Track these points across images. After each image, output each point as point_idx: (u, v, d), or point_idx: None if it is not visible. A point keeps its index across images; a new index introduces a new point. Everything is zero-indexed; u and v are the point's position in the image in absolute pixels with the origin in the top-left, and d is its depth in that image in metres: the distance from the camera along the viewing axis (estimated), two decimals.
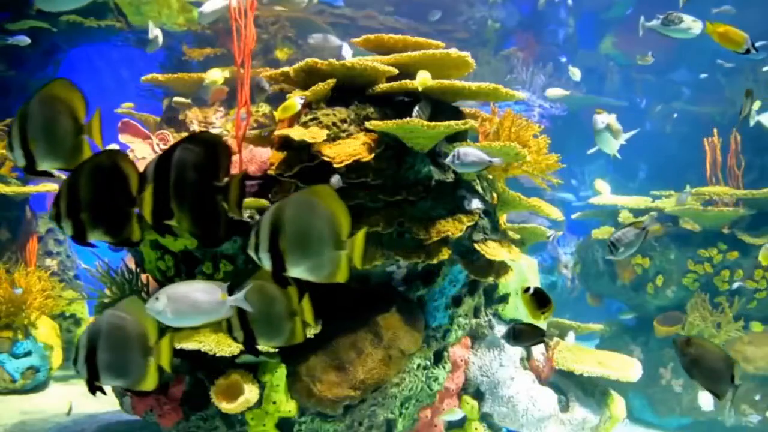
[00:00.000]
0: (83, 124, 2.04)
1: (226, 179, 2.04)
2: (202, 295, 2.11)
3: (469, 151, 2.73)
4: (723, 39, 3.04)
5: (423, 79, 3.00)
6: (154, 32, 4.60)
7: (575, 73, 6.74)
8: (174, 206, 1.98)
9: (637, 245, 2.61)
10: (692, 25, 3.32)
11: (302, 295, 2.22)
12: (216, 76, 4.43)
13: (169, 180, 1.97)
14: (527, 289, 2.80)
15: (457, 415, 3.33)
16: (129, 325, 2.08)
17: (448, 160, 2.76)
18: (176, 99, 4.81)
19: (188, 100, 4.69)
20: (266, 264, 1.99)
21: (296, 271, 2.02)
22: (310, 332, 2.89)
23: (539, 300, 2.78)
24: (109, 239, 2.07)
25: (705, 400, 4.17)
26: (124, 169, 2.03)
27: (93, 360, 2.03)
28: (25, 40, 5.29)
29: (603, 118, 3.18)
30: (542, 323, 3.15)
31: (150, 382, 2.11)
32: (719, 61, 7.61)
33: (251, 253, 1.99)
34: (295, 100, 3.03)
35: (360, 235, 2.01)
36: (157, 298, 2.10)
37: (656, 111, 9.53)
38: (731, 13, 6.79)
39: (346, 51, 3.34)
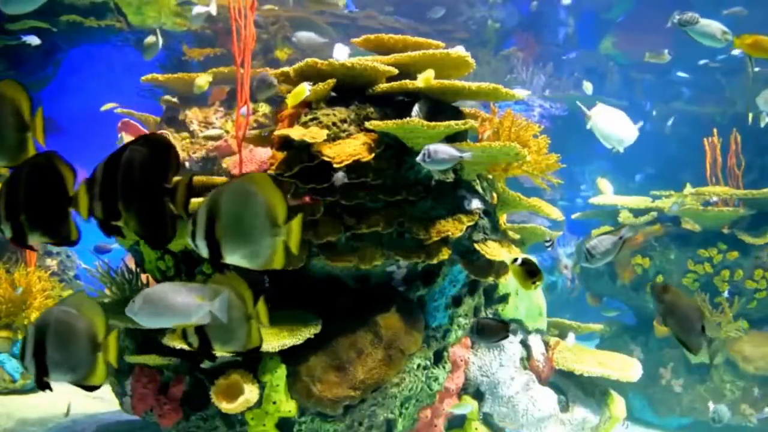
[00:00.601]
0: (28, 122, 2.05)
1: (175, 180, 2.04)
2: (178, 297, 2.12)
3: (439, 148, 2.73)
4: (754, 49, 3.04)
5: (427, 77, 3.01)
6: (152, 39, 4.61)
7: (588, 87, 6.69)
8: (121, 207, 1.98)
9: (613, 254, 2.61)
10: (723, 36, 3.33)
11: (257, 299, 2.22)
12: (200, 82, 4.51)
13: (117, 181, 1.98)
14: (515, 260, 2.78)
15: (467, 408, 3.33)
16: (76, 321, 2.07)
17: (418, 159, 2.75)
18: (164, 98, 4.82)
19: (175, 99, 4.68)
20: (203, 252, 1.99)
21: (233, 258, 2.03)
22: (311, 332, 2.89)
23: (529, 270, 2.76)
24: (48, 240, 2.08)
25: (722, 410, 4.18)
26: (60, 170, 2.04)
27: (41, 355, 2.02)
28: (35, 40, 5.31)
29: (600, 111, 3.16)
30: (508, 322, 3.13)
31: (98, 378, 2.11)
32: (704, 61, 7.57)
33: (188, 241, 1.98)
34: (305, 85, 3.03)
35: (296, 221, 2.02)
36: (133, 300, 2.11)
37: (656, 111, 9.53)
38: (743, 14, 6.74)
39: (340, 50, 3.33)
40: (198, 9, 5.02)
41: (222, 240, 1.98)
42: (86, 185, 2.01)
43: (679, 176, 6.08)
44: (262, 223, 2.00)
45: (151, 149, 2.00)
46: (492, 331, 2.83)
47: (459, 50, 3.39)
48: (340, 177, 2.90)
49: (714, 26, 3.38)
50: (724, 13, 6.80)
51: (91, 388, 2.12)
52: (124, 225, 2.03)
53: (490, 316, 3.59)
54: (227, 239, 1.98)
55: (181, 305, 2.10)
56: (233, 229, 1.99)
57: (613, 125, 3.23)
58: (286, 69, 3.35)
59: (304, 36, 4.67)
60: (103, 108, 4.93)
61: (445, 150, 2.72)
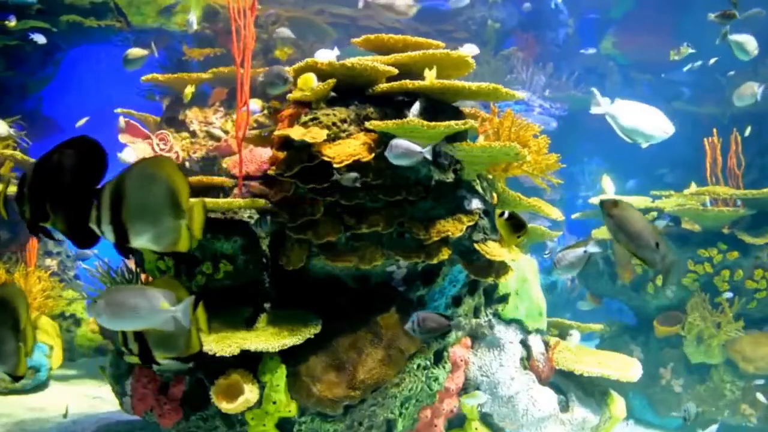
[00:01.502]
0: None
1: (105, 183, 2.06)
2: (142, 301, 2.13)
3: (400, 143, 2.74)
4: None
5: (431, 76, 3.03)
6: (138, 53, 4.61)
7: (597, 95, 6.66)
8: (49, 208, 2.00)
9: (578, 268, 2.62)
10: (753, 52, 3.35)
11: (197, 305, 2.23)
12: (186, 91, 4.75)
13: (45, 182, 2.00)
14: (502, 214, 2.76)
15: (480, 399, 3.34)
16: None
17: (386, 152, 2.77)
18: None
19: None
20: (109, 236, 1.99)
21: (139, 241, 2.03)
22: (311, 332, 2.89)
23: (515, 224, 2.75)
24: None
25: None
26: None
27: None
28: (41, 38, 5.31)
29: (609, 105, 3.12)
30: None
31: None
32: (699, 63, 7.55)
33: (93, 226, 1.98)
34: (311, 75, 3.03)
35: (198, 204, 2.03)
36: (95, 303, 2.12)
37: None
38: (761, 15, 6.69)
39: (323, 55, 3.33)
40: (192, 17, 5.08)
41: (127, 224, 1.98)
42: (18, 186, 2.03)
43: (679, 176, 6.08)
44: (167, 207, 2.01)
45: (80, 152, 2.02)
46: (434, 324, 2.77)
47: (471, 48, 3.40)
48: (352, 177, 2.89)
49: (751, 44, 3.41)
50: (741, 16, 6.74)
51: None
52: (52, 225, 2.05)
53: (491, 314, 3.59)
54: (133, 223, 1.98)
55: (145, 310, 2.11)
56: (139, 213, 1.99)
57: (641, 119, 3.18)
58: (286, 69, 3.35)
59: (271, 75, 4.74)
60: (120, 110, 4.96)
61: (405, 145, 2.73)
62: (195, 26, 5.15)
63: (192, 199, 2.04)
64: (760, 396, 4.59)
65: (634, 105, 3.13)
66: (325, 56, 3.53)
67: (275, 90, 3.14)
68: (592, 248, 2.59)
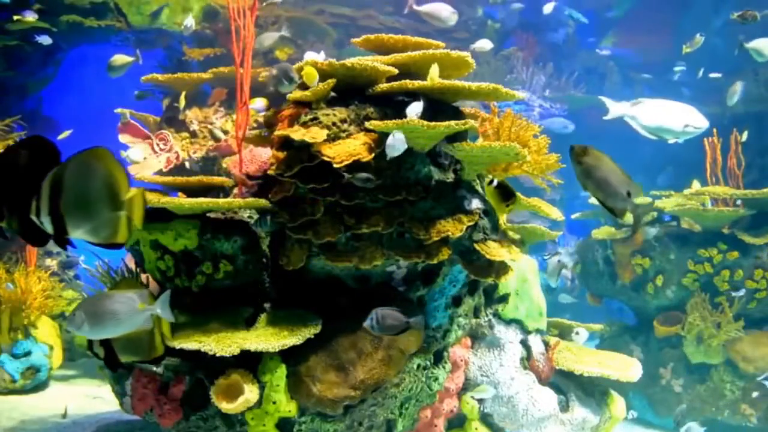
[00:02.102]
0: None
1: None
2: (119, 306, 2.13)
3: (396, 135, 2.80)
4: None
5: (432, 75, 3.03)
6: (122, 60, 4.63)
7: (606, 101, 6.62)
8: (4, 208, 2.01)
9: (554, 276, 2.64)
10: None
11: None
12: (180, 100, 4.86)
13: None
14: (491, 182, 2.76)
15: (488, 393, 3.35)
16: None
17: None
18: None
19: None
20: (48, 227, 1.98)
21: (78, 233, 2.02)
22: (311, 332, 2.89)
23: (503, 192, 2.74)
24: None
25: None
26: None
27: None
28: (47, 39, 5.33)
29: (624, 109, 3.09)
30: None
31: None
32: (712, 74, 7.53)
33: (33, 218, 1.98)
34: (314, 69, 3.03)
35: (138, 195, 2.03)
36: (73, 315, 2.13)
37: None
38: None
39: (310, 57, 3.34)
40: (188, 21, 5.13)
41: (66, 215, 1.97)
42: None
43: (679, 176, 6.07)
44: (106, 198, 2.01)
45: (33, 151, 2.02)
46: (393, 322, 2.75)
47: (485, 43, 3.40)
48: (363, 177, 2.90)
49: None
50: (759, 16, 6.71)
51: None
52: (7, 226, 2.05)
53: (491, 314, 3.59)
54: (71, 215, 1.98)
55: (125, 313, 2.12)
56: (77, 205, 1.98)
57: (665, 117, 3.16)
58: None
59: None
60: (120, 110, 4.98)
61: (400, 138, 2.79)
62: (193, 27, 5.18)
63: (132, 189, 2.04)
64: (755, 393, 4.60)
65: (657, 103, 3.11)
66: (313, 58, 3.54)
67: (282, 89, 3.11)
68: (564, 258, 2.61)
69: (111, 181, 2.00)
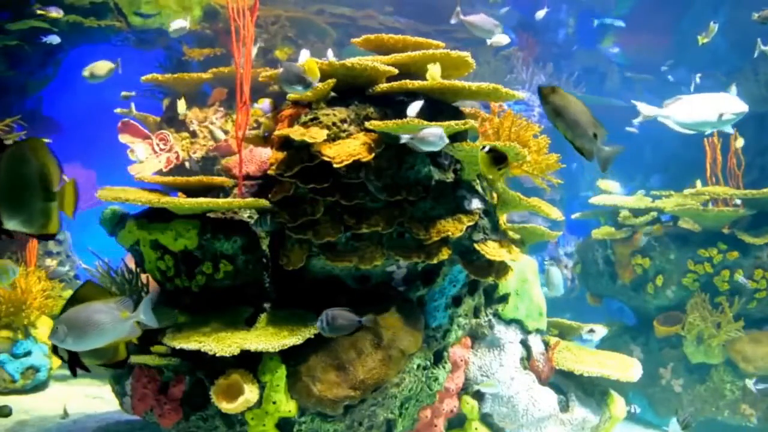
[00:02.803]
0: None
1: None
2: (102, 316, 2.15)
3: (431, 131, 2.78)
4: None
5: (433, 74, 3.02)
6: (104, 67, 4.64)
7: (639, 104, 6.59)
8: None
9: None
10: None
11: None
12: (180, 108, 4.96)
13: None
14: (483, 147, 2.76)
15: (494, 388, 3.34)
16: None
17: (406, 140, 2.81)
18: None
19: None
20: None
21: (11, 224, 2.04)
22: (311, 332, 2.89)
23: (496, 157, 2.74)
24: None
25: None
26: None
27: None
28: (56, 39, 5.34)
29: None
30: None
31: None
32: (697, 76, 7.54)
33: None
34: (315, 61, 3.02)
35: (69, 186, 2.06)
36: (56, 329, 2.14)
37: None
38: None
39: (305, 57, 3.32)
40: (177, 23, 5.15)
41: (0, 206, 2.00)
42: None
43: (679, 176, 6.07)
44: (35, 189, 2.03)
45: None
46: (343, 321, 2.73)
47: (502, 38, 3.40)
48: (437, 133, 2.89)
49: None
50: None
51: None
52: None
53: (491, 314, 3.59)
54: (4, 206, 2.00)
55: (109, 323, 2.14)
56: (9, 196, 2.00)
57: (699, 112, 3.16)
58: None
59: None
60: (120, 110, 4.99)
61: (433, 132, 2.77)
62: (184, 29, 5.19)
63: (66, 180, 2.07)
64: (749, 383, 4.59)
65: (690, 99, 3.11)
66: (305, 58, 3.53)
67: (293, 92, 3.01)
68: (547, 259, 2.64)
69: (42, 172, 2.03)
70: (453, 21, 4.28)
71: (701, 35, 5.72)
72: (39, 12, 5.24)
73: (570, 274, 8.14)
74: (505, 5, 8.35)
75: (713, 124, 3.15)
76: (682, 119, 3.12)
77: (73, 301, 2.37)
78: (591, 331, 3.79)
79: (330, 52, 3.60)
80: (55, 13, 5.31)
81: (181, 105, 4.95)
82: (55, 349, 2.38)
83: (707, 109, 3.14)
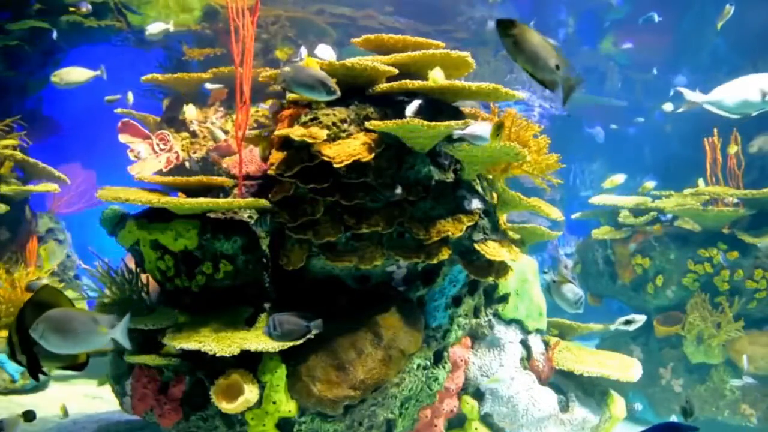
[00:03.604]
0: None
1: None
2: (80, 326, 2.22)
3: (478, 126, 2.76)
4: None
5: (434, 77, 3.02)
6: (84, 74, 4.66)
7: (684, 91, 6.46)
8: None
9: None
10: None
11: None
12: (188, 113, 4.97)
13: None
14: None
15: (500, 384, 3.35)
16: None
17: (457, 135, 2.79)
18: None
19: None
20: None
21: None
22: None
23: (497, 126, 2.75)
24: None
25: None
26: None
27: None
28: (86, 6, 5.38)
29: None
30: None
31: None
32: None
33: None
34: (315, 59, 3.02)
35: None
36: (38, 324, 2.20)
37: (656, 110, 9.54)
38: None
39: (323, 50, 3.30)
40: (154, 27, 5.17)
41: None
42: None
43: (679, 176, 6.07)
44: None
45: None
46: (292, 326, 2.71)
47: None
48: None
49: None
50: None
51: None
52: None
53: (491, 314, 3.59)
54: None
55: (86, 334, 2.21)
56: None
57: (745, 94, 3.16)
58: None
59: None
60: (120, 110, 5.00)
61: (483, 127, 2.75)
62: (170, 29, 5.21)
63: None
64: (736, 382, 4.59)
65: (732, 84, 3.11)
66: (324, 51, 3.51)
67: (313, 97, 2.89)
68: (551, 276, 2.68)
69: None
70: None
71: (719, 19, 5.70)
72: (71, 9, 5.27)
73: (570, 274, 8.15)
74: (505, 5, 8.35)
75: (757, 106, 3.16)
76: (726, 103, 3.13)
77: (30, 305, 2.39)
78: (627, 322, 3.46)
79: (321, 47, 3.55)
80: (85, 8, 5.34)
81: (190, 110, 4.93)
82: (12, 353, 2.39)
83: (750, 91, 3.15)
